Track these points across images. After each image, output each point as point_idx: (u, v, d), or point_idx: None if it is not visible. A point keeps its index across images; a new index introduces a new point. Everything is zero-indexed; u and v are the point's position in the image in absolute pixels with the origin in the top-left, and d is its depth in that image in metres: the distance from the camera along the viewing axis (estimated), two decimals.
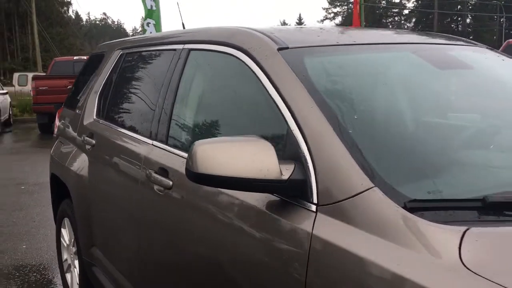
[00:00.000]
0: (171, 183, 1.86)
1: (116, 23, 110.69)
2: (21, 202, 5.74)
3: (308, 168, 1.34)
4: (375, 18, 63.57)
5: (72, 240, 3.11)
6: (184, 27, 3.18)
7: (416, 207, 1.15)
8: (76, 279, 3.07)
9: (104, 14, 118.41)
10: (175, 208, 1.88)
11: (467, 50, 2.08)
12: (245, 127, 1.74)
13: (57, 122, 3.64)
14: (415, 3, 65.17)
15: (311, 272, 1.23)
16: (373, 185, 1.21)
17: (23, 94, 20.34)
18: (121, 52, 2.87)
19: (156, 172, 1.96)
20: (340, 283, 1.17)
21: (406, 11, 66.91)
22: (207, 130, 1.97)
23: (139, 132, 2.29)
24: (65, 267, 3.30)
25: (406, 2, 67.22)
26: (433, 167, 1.37)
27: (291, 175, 1.33)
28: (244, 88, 1.79)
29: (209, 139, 1.40)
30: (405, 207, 1.15)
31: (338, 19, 67.73)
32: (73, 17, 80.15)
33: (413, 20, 65.81)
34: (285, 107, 1.48)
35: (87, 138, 2.80)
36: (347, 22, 62.34)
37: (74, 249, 3.10)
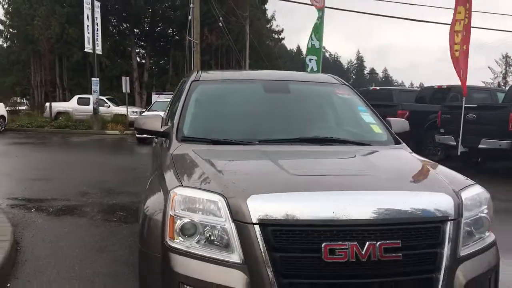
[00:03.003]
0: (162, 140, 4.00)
1: (333, 56, 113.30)
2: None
3: (171, 127, 3.32)
4: None
5: None
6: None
7: (184, 139, 3.08)
8: None
9: (323, 48, 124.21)
10: (161, 150, 4.01)
11: (310, 85, 3.72)
12: (173, 111, 3.75)
13: None
14: None
15: (174, 163, 3.24)
16: (175, 132, 3.15)
17: None
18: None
19: None
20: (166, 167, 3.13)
21: None
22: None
23: None
24: None
25: None
26: (205, 129, 3.29)
27: (165, 130, 3.35)
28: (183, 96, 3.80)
29: (143, 115, 3.53)
30: (180, 139, 3.07)
31: None
32: (295, 50, 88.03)
33: None
34: (178, 104, 3.49)
35: None
36: None
37: None
